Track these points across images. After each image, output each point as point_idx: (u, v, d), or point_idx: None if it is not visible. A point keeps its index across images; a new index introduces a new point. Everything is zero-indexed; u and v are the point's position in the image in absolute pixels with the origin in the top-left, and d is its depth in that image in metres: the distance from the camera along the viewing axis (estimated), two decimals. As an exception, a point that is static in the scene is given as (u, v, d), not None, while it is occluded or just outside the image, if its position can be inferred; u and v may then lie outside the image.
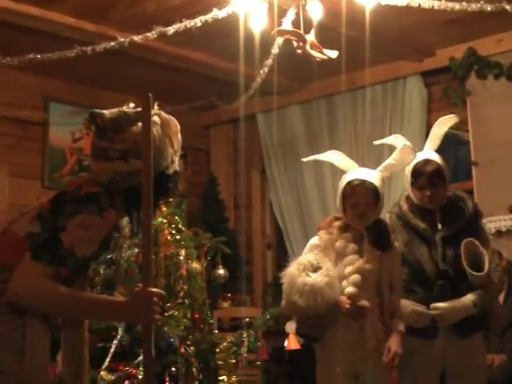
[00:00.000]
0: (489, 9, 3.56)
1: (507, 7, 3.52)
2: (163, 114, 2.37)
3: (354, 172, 3.43)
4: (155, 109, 2.41)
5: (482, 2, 3.62)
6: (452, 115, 3.68)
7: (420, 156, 3.53)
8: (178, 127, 2.40)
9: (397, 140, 3.64)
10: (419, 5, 3.63)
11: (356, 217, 3.35)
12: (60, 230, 2.12)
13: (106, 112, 2.33)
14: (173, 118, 2.40)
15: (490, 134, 5.27)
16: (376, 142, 3.96)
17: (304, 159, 3.85)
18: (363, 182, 3.32)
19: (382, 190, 3.36)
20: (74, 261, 2.14)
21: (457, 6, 3.63)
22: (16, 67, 5.08)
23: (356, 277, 3.26)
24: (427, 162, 3.49)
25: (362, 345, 3.26)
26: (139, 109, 2.32)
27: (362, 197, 3.32)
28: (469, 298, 3.39)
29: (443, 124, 3.63)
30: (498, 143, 5.22)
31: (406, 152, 3.44)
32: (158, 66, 5.70)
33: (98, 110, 2.33)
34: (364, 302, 3.24)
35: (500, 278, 3.48)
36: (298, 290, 3.18)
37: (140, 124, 2.26)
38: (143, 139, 2.22)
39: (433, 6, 3.65)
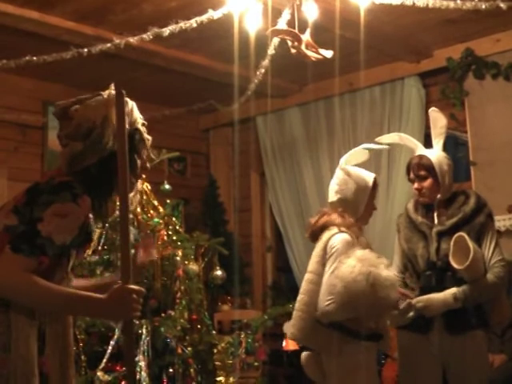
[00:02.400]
0: (483, 7, 3.56)
1: (502, 5, 3.52)
2: (112, 92, 2.34)
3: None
4: (111, 88, 2.39)
5: (476, 0, 3.61)
6: (433, 108, 3.76)
7: (417, 152, 3.65)
8: (129, 103, 2.38)
9: (403, 138, 3.81)
10: (413, 3, 3.63)
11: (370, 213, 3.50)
12: (37, 220, 2.14)
13: (63, 102, 2.37)
14: (111, 92, 2.36)
15: (488, 134, 5.27)
16: (379, 140, 3.99)
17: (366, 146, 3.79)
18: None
19: None
20: (54, 248, 2.15)
21: (451, 5, 3.63)
22: (15, 71, 5.10)
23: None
24: (418, 156, 3.61)
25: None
26: (95, 93, 2.35)
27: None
28: (450, 291, 3.40)
29: (434, 119, 3.68)
30: (497, 143, 5.21)
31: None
32: (156, 69, 5.71)
33: (58, 102, 2.38)
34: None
35: (499, 274, 3.46)
36: (386, 285, 3.13)
37: (78, 106, 2.29)
38: (117, 135, 2.23)
39: (427, 5, 3.65)
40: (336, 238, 3.30)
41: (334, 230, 3.33)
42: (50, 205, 2.15)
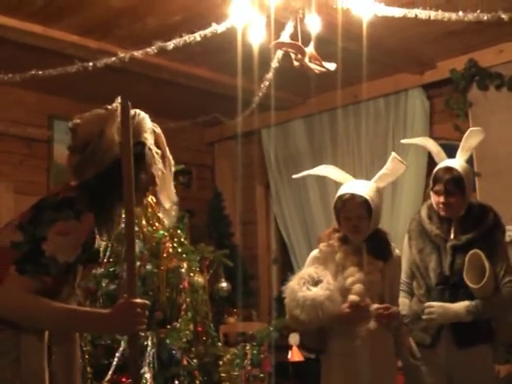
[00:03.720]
0: (485, 18, 3.58)
1: (503, 16, 3.53)
2: (113, 105, 2.37)
3: (346, 185, 3.43)
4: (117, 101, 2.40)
5: (478, 12, 3.63)
6: (479, 128, 3.70)
7: (445, 162, 3.57)
8: (115, 113, 2.35)
9: (426, 141, 3.79)
10: (416, 15, 3.65)
11: (350, 230, 3.36)
12: (41, 240, 2.15)
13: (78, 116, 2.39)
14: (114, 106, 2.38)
15: (492, 145, 5.25)
16: (403, 141, 4.13)
17: (295, 176, 3.86)
18: (353, 196, 3.32)
19: (375, 202, 3.34)
20: (57, 267, 2.16)
21: (453, 17, 3.65)
22: (20, 85, 5.13)
23: (359, 286, 3.27)
24: (448, 169, 3.51)
25: (365, 354, 3.25)
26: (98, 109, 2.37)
27: (353, 210, 3.32)
28: (464, 303, 3.39)
29: (474, 135, 3.65)
30: (501, 154, 5.21)
31: (397, 162, 3.46)
32: (160, 83, 5.74)
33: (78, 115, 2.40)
34: (367, 301, 3.28)
35: (510, 295, 3.44)
36: (298, 305, 3.20)
37: (84, 119, 2.32)
38: (122, 146, 2.24)
39: (429, 17, 3.67)
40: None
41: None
42: (54, 223, 2.16)
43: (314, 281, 3.27)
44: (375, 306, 3.28)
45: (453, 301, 3.41)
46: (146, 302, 2.27)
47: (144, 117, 2.41)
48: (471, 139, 3.63)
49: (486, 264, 3.28)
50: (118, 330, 2.55)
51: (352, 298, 3.25)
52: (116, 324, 2.21)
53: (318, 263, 3.36)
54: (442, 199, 3.47)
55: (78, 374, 2.45)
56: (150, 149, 2.38)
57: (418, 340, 3.51)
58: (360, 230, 3.33)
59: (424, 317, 3.43)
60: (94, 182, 2.29)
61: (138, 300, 2.21)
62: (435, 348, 3.45)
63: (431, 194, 3.58)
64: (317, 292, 3.20)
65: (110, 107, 2.37)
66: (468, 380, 3.42)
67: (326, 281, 3.26)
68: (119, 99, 2.36)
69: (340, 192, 3.39)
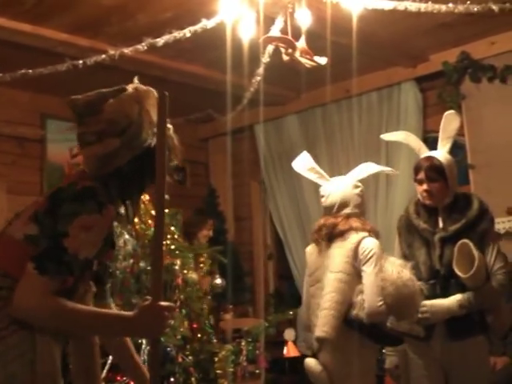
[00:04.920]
0: (475, 9, 3.57)
1: (494, 7, 3.52)
2: (141, 86, 2.25)
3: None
4: (134, 82, 2.31)
5: (468, 3, 3.62)
6: (449, 111, 3.71)
7: (426, 153, 3.61)
8: (156, 97, 2.23)
9: (407, 137, 3.82)
10: (406, 8, 3.64)
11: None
12: (62, 235, 2.00)
13: (80, 96, 2.23)
14: (151, 89, 2.27)
15: (485, 137, 5.27)
16: (383, 137, 4.07)
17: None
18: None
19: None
20: (79, 266, 2.04)
21: (443, 8, 3.64)
22: (12, 84, 5.11)
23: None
24: (428, 157, 3.55)
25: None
26: (116, 87, 2.22)
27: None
28: (455, 298, 3.38)
29: (451, 121, 3.65)
30: (494, 145, 5.21)
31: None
32: (152, 80, 5.66)
33: (74, 97, 2.23)
34: None
35: (501, 282, 3.44)
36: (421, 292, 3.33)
37: (113, 100, 2.15)
38: (157, 137, 2.12)
39: (420, 9, 3.66)
40: (369, 241, 3.47)
41: (363, 233, 3.49)
42: (76, 217, 2.01)
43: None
44: None
45: (445, 294, 3.41)
46: (172, 304, 2.19)
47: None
48: (449, 126, 3.63)
49: (475, 253, 3.27)
50: (144, 334, 2.39)
51: None
52: (142, 327, 2.09)
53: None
54: (424, 186, 3.50)
55: (98, 380, 2.32)
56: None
57: (412, 333, 3.50)
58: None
59: (419, 316, 3.43)
60: (128, 167, 2.16)
61: (165, 303, 2.11)
62: (429, 341, 3.45)
63: (416, 186, 3.60)
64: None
65: (131, 88, 2.23)
66: (463, 372, 3.41)
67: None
68: (136, 80, 2.27)
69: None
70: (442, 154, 3.57)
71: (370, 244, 3.45)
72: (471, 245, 3.31)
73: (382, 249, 3.46)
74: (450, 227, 3.46)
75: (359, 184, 3.67)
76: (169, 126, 2.23)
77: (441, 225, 3.50)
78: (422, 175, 3.52)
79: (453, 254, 3.35)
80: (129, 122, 2.14)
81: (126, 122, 2.14)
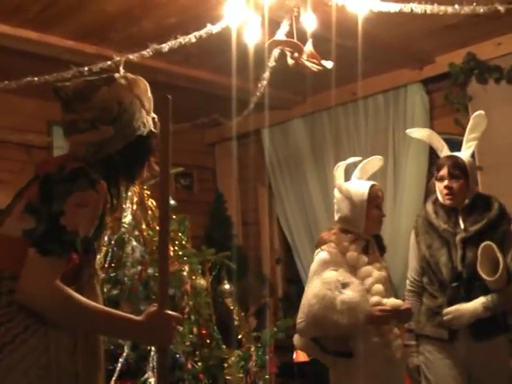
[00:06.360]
0: (481, 10, 3.55)
1: (500, 8, 3.51)
2: (130, 75, 2.29)
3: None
4: (121, 72, 2.35)
5: (474, 4, 3.60)
6: (480, 111, 3.70)
7: (449, 153, 3.64)
8: (147, 86, 2.30)
9: (431, 136, 3.81)
10: (411, 10, 3.62)
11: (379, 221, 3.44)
12: (58, 215, 1.96)
13: (69, 83, 2.23)
14: (140, 78, 2.31)
15: (493, 138, 5.22)
16: (408, 131, 4.04)
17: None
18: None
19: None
20: (80, 242, 1.99)
21: (449, 10, 3.62)
22: (18, 92, 5.11)
23: (379, 286, 3.29)
24: (451, 156, 3.59)
25: (390, 355, 3.25)
26: (104, 75, 2.26)
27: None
28: (480, 300, 3.37)
29: (479, 122, 3.64)
30: (502, 147, 5.18)
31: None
32: (158, 86, 5.69)
33: (60, 83, 2.24)
34: (406, 304, 3.40)
35: None
36: (337, 310, 3.13)
37: (105, 88, 2.17)
38: (161, 138, 2.17)
39: (425, 11, 3.64)
40: (316, 257, 3.41)
41: (320, 247, 3.41)
42: (70, 195, 1.97)
43: (341, 284, 3.23)
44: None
45: (468, 296, 3.42)
46: (179, 315, 2.18)
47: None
48: (477, 127, 3.63)
49: (499, 255, 3.27)
50: (151, 341, 2.35)
51: (375, 300, 3.25)
52: (149, 334, 2.08)
53: (331, 266, 3.31)
54: (445, 183, 3.51)
55: (102, 378, 2.24)
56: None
57: (436, 335, 3.49)
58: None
59: (445, 318, 3.41)
60: (120, 154, 2.18)
61: (173, 313, 2.10)
62: (453, 343, 3.44)
63: (436, 183, 3.59)
64: (352, 295, 3.17)
65: (119, 77, 2.25)
66: (486, 372, 3.45)
67: (353, 282, 3.23)
68: (122, 70, 2.32)
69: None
70: (465, 154, 3.59)
71: (315, 260, 3.41)
72: (495, 247, 3.30)
73: (325, 262, 3.32)
74: (470, 228, 3.45)
75: (339, 187, 3.56)
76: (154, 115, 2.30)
77: (462, 225, 3.49)
78: (444, 171, 3.54)
79: (474, 255, 3.35)
80: (122, 109, 2.17)
81: (119, 110, 2.17)
